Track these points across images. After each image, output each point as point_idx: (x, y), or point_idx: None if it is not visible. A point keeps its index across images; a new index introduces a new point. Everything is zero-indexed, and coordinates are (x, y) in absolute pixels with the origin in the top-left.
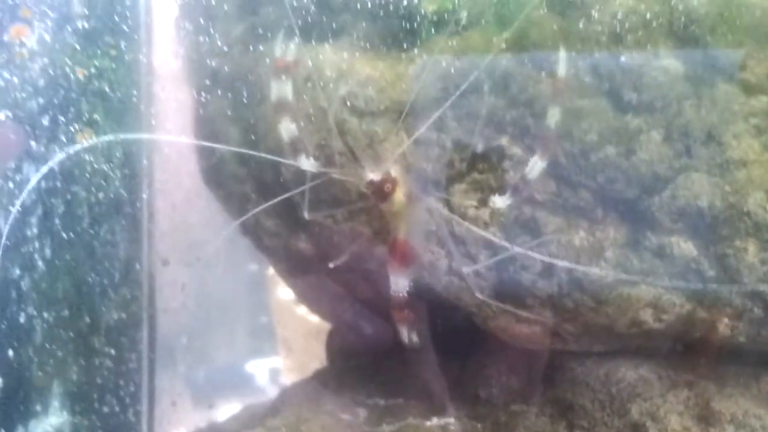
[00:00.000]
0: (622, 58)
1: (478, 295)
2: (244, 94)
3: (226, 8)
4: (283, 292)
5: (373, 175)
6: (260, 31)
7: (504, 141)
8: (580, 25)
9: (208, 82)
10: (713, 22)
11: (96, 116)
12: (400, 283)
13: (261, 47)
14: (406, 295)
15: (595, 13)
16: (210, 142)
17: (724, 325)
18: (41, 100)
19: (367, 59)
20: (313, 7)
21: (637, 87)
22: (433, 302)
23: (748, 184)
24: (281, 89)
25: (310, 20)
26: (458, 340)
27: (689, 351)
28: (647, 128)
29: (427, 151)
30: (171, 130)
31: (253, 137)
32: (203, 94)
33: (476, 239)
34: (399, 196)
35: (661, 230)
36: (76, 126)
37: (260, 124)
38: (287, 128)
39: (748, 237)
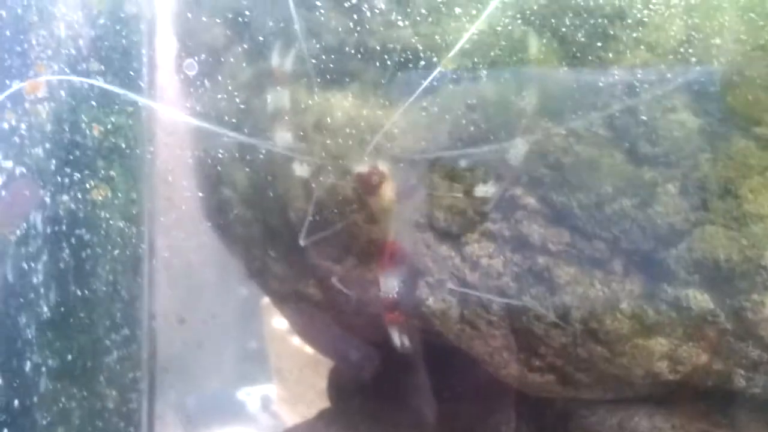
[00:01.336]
0: (638, 111)
1: None
2: (250, 134)
3: (232, 53)
4: (278, 322)
5: (361, 168)
6: (269, 73)
7: (518, 191)
8: (594, 77)
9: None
10: (730, 79)
11: (112, 172)
12: (389, 284)
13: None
14: (395, 296)
15: (610, 67)
16: (214, 188)
17: (739, 377)
18: (56, 156)
19: (379, 106)
20: (323, 53)
21: (653, 140)
22: (443, 348)
23: (765, 238)
24: (278, 99)
25: (321, 66)
26: (468, 386)
27: (703, 400)
28: (663, 181)
29: (438, 201)
30: (186, 186)
31: (260, 182)
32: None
33: (489, 288)
34: (387, 191)
35: (677, 282)
36: (92, 182)
37: (268, 168)
38: (283, 138)
39: (766, 290)
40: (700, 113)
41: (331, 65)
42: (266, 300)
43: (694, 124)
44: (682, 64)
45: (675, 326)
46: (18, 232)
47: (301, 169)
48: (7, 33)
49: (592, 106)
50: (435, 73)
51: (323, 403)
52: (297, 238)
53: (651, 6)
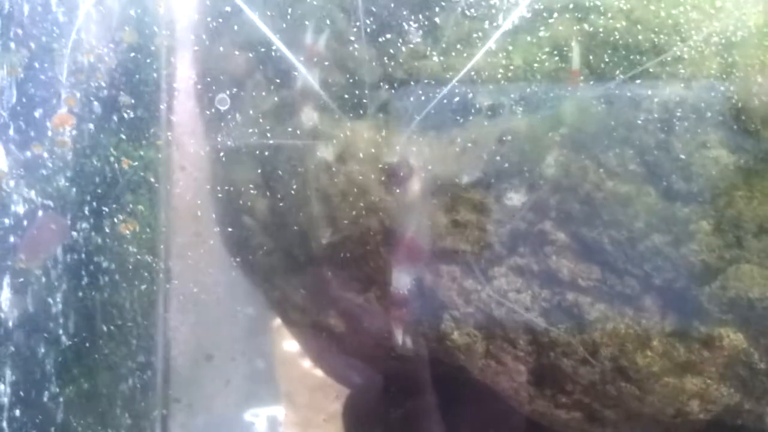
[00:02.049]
0: (672, 147)
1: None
2: (273, 167)
3: (256, 80)
4: (288, 344)
5: (391, 158)
6: (292, 105)
7: (547, 226)
8: (629, 112)
9: (235, 154)
10: (766, 116)
11: (140, 207)
12: (401, 280)
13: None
14: (406, 293)
15: (643, 101)
16: (235, 216)
17: None
18: (84, 190)
19: (404, 136)
20: (345, 82)
21: (686, 176)
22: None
23: None
24: (309, 76)
25: (345, 96)
26: (485, 419)
27: None
28: (696, 218)
29: (466, 232)
30: (214, 219)
31: (281, 211)
32: (230, 165)
33: (516, 323)
34: (414, 185)
35: (710, 321)
36: (120, 217)
37: (289, 198)
38: (309, 116)
39: None
40: (736, 150)
41: (358, 95)
42: (277, 321)
43: (729, 160)
44: (719, 100)
45: (707, 365)
46: (44, 266)
47: (326, 151)
48: (36, 65)
49: (626, 142)
50: (440, 95)
51: (333, 427)
52: (319, 269)
53: (690, 43)
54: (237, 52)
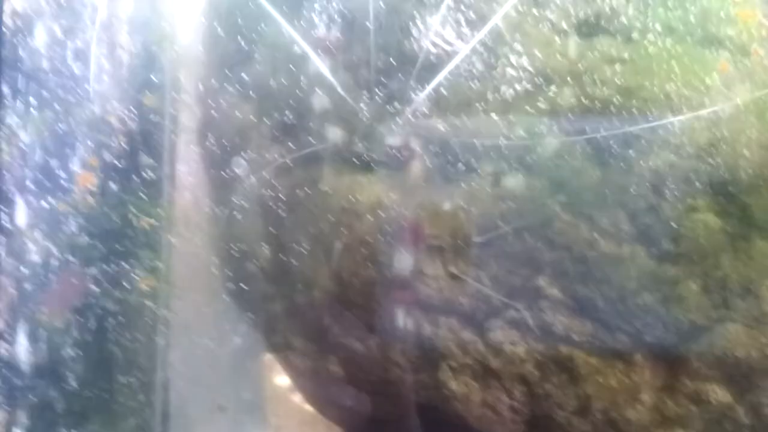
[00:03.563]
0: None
1: None
2: (278, 214)
3: (261, 131)
4: (279, 379)
5: (393, 140)
6: (295, 151)
7: (542, 281)
8: (620, 176)
9: (240, 201)
10: (753, 183)
11: (159, 263)
12: (404, 261)
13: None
14: (408, 274)
15: (635, 166)
16: (238, 261)
17: None
18: (105, 247)
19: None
20: (350, 138)
21: (675, 238)
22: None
23: None
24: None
25: (344, 148)
26: None
27: None
28: (685, 278)
29: (463, 287)
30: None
31: (284, 258)
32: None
33: (511, 374)
34: (416, 168)
35: (698, 376)
36: (139, 273)
37: (294, 246)
38: (320, 100)
39: None
40: (723, 215)
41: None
42: (267, 356)
43: (716, 224)
44: (707, 168)
45: (694, 419)
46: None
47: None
48: (61, 127)
49: (619, 204)
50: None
51: None
52: (320, 316)
53: (683, 118)
54: (243, 105)
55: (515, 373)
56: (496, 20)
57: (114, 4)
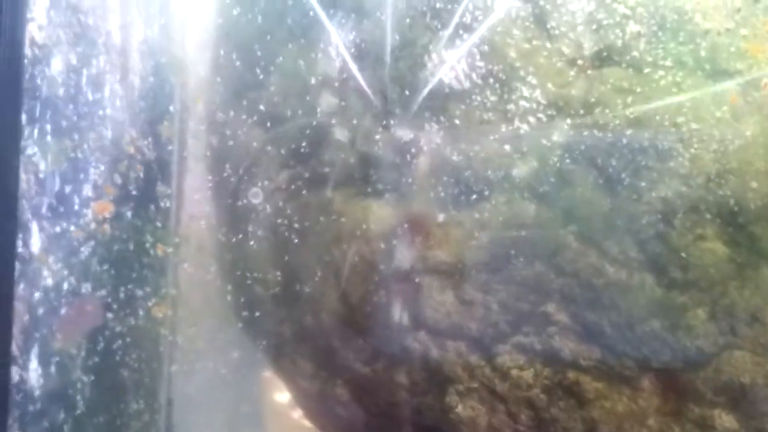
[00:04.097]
0: (670, 238)
1: None
2: (289, 239)
3: (269, 153)
4: (279, 396)
5: (403, 133)
6: (306, 177)
7: (550, 308)
8: (629, 204)
9: (252, 228)
10: (761, 213)
11: (173, 291)
12: (405, 254)
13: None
14: (408, 267)
15: (643, 193)
16: (249, 287)
17: None
18: (120, 274)
19: (413, 216)
20: (360, 162)
21: (683, 266)
22: None
23: None
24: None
25: (355, 175)
26: None
27: None
28: (693, 305)
29: (472, 310)
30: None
31: (290, 278)
32: (246, 238)
33: (518, 399)
34: (422, 161)
35: (704, 402)
36: (153, 301)
37: (302, 269)
38: (328, 102)
39: None
40: (730, 243)
41: (372, 175)
42: (267, 368)
43: (724, 252)
44: (715, 197)
45: None
46: (77, 346)
47: (341, 134)
48: (79, 155)
49: (628, 231)
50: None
51: None
52: (328, 340)
53: (692, 149)
54: (255, 132)
55: (522, 397)
56: (483, 29)
57: (126, 31)
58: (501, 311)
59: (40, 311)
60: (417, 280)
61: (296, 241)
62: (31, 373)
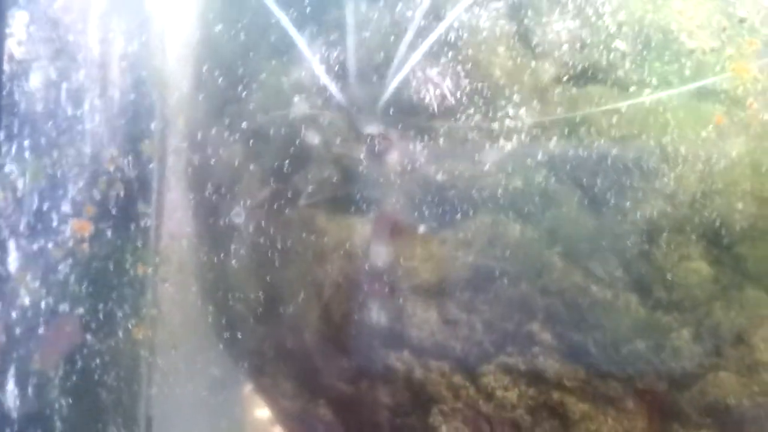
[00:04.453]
0: (654, 257)
1: None
2: (270, 258)
3: (251, 170)
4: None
5: (371, 130)
6: (288, 195)
7: (534, 327)
8: (614, 224)
9: (234, 246)
10: (746, 234)
11: (153, 311)
12: (381, 253)
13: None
14: (383, 266)
15: (627, 213)
16: (227, 305)
17: None
18: (99, 295)
19: (397, 235)
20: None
21: (668, 286)
22: None
23: None
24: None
25: (338, 193)
26: None
27: None
28: (677, 326)
29: (456, 330)
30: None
31: (270, 296)
32: (228, 257)
33: (502, 419)
34: (393, 157)
35: (689, 424)
36: (133, 321)
37: (284, 288)
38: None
39: None
40: (715, 263)
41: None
42: (248, 388)
43: (709, 273)
44: (700, 217)
45: None
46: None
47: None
48: (58, 174)
49: (612, 250)
50: None
51: None
52: (311, 358)
53: (678, 170)
54: (237, 150)
55: (507, 418)
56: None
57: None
58: (485, 331)
59: (18, 331)
60: (400, 298)
61: (279, 259)
62: (8, 394)
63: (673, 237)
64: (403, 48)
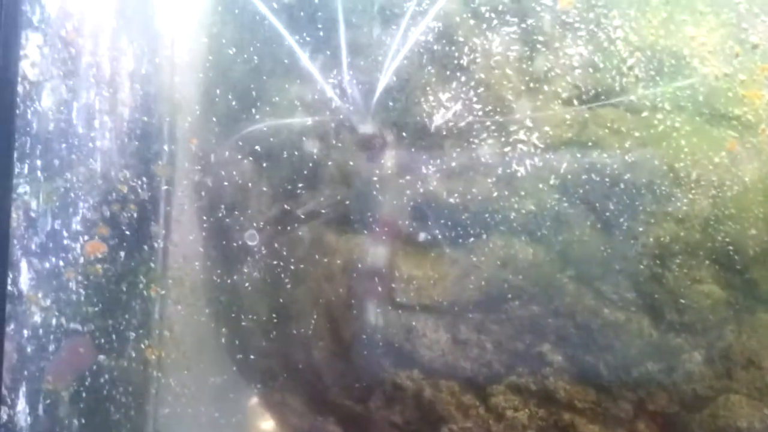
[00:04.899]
0: (666, 280)
1: None
2: (280, 276)
3: (263, 191)
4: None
5: (365, 129)
6: (299, 215)
7: (545, 348)
8: (626, 247)
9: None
10: (758, 258)
11: (166, 332)
12: (378, 254)
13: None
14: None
15: (639, 236)
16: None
17: None
18: (112, 316)
19: (408, 255)
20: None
21: (679, 308)
22: None
23: None
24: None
25: (351, 216)
26: None
27: None
28: (689, 348)
29: (466, 350)
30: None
31: (281, 315)
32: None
33: None
34: (389, 159)
35: None
36: (146, 342)
37: (296, 308)
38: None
39: None
40: (726, 287)
41: (362, 211)
42: (254, 401)
43: (720, 296)
44: (711, 241)
45: None
46: (68, 388)
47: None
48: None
49: (623, 272)
50: None
51: None
52: (319, 376)
53: (690, 195)
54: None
55: None
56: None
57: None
58: (495, 351)
59: (30, 351)
60: (411, 318)
61: (290, 280)
62: (20, 413)
63: (686, 260)
64: (415, 71)
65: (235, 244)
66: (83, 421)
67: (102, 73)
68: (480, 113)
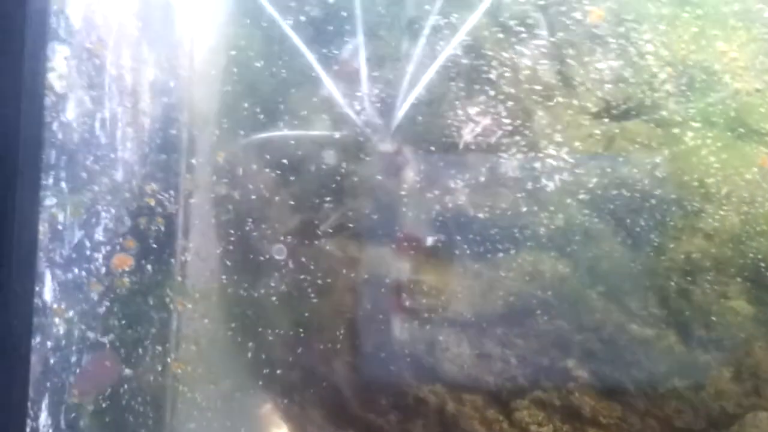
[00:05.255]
0: (693, 295)
1: None
2: (302, 286)
3: (292, 207)
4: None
5: (386, 147)
6: (327, 230)
7: (570, 363)
8: (655, 262)
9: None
10: None
11: (192, 347)
12: (402, 268)
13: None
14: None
15: (669, 252)
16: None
17: None
18: (139, 330)
19: (432, 268)
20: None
21: (708, 324)
22: None
23: None
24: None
25: (371, 222)
26: None
27: None
28: (717, 365)
29: (489, 364)
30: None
31: (302, 329)
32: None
33: None
34: (409, 175)
35: None
36: (172, 356)
37: (312, 318)
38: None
39: None
40: (755, 302)
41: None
42: (267, 407)
43: (750, 312)
44: (740, 256)
45: None
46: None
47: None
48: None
49: (650, 288)
50: None
51: None
52: (341, 389)
53: (721, 211)
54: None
55: None
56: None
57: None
58: (519, 365)
59: (53, 363)
60: (434, 332)
61: (316, 293)
62: (42, 426)
63: (715, 276)
64: (443, 85)
65: (261, 258)
66: None
67: (124, 84)
68: (508, 127)
